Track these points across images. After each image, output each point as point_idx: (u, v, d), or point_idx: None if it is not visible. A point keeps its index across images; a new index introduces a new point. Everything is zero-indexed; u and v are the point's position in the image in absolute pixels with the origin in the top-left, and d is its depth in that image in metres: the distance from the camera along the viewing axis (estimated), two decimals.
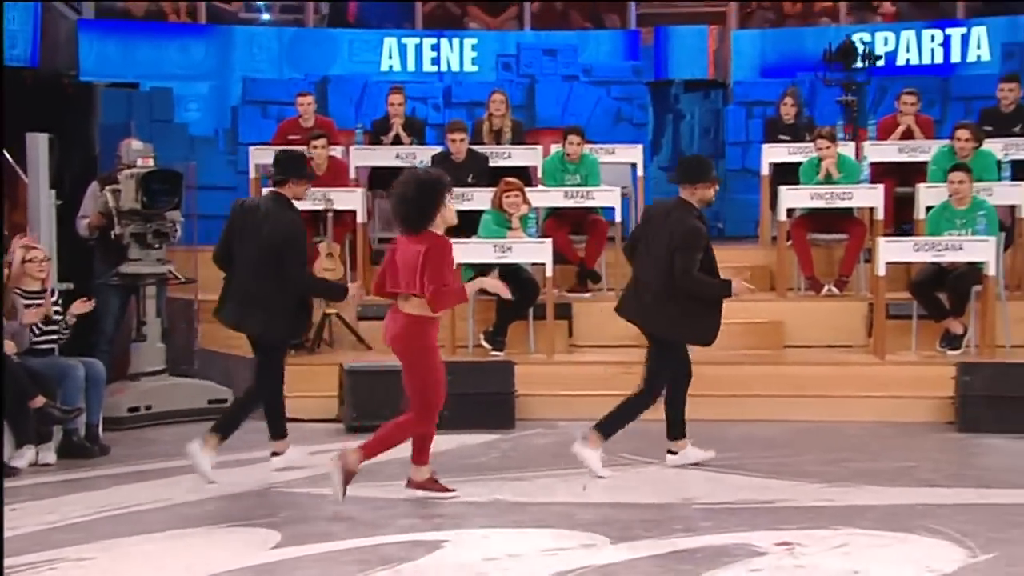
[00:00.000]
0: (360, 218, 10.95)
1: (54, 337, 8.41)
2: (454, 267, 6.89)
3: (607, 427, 7.45)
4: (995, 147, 10.80)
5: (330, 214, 10.58)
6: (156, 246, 9.47)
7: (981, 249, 9.51)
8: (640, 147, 12.43)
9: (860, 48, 12.96)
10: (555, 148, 11.44)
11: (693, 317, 7.36)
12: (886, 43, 14.49)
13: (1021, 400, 8.70)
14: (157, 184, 9.35)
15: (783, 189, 10.79)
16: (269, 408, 7.75)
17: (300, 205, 10.72)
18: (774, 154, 11.73)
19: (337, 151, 11.49)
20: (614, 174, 11.71)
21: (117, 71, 13.55)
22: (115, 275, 9.50)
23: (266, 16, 15.69)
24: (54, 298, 8.45)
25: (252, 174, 11.88)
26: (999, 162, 10.69)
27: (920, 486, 7.25)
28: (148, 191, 9.30)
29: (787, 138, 11.89)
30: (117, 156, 9.90)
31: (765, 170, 11.75)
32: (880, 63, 13.53)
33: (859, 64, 12.95)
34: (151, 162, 9.54)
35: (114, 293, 9.71)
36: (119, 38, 13.91)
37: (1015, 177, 10.69)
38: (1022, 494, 7.02)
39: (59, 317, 8.39)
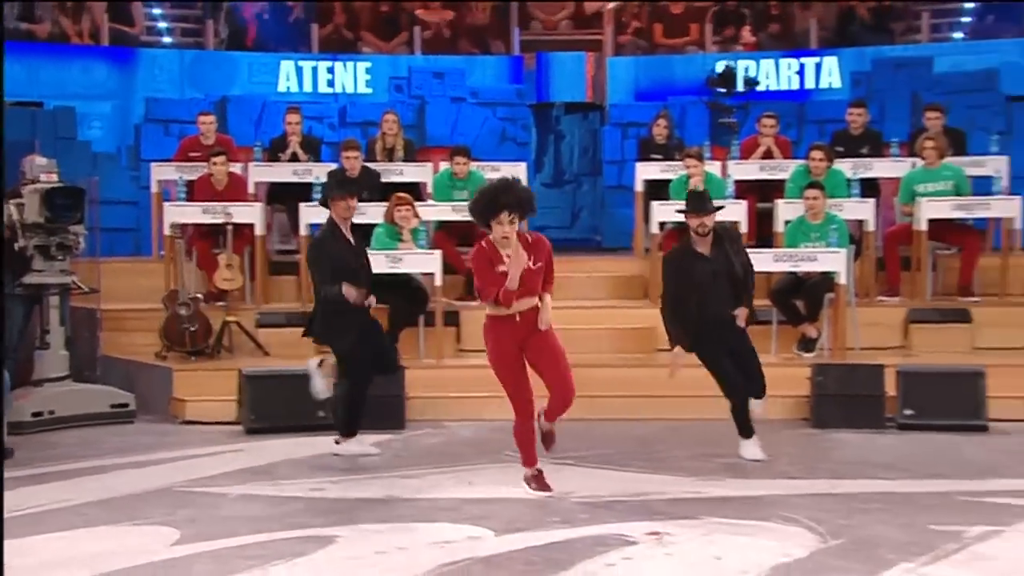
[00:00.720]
0: (259, 231, 10.85)
1: None
2: (497, 269, 6.56)
3: None
4: (845, 166, 11.03)
5: (230, 227, 10.47)
6: (59, 258, 9.31)
7: (833, 260, 9.74)
8: (524, 165, 12.49)
9: (741, 74, 13.23)
10: (444, 166, 11.45)
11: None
12: (747, 71, 14.76)
13: (868, 398, 8.91)
14: (60, 199, 9.19)
15: (655, 204, 10.91)
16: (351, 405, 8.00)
17: (200, 218, 10.76)
18: (647, 172, 11.86)
19: (237, 167, 11.37)
20: None
21: (21, 90, 13.23)
22: (19, 285, 9.30)
23: (167, 39, 15.46)
24: None
25: (154, 189, 11.73)
26: (849, 180, 10.93)
27: (777, 478, 7.37)
28: (51, 205, 9.14)
29: (659, 157, 12.03)
30: (21, 172, 9.68)
31: (639, 186, 11.87)
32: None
33: (740, 89, 13.21)
34: (54, 177, 9.38)
35: (18, 303, 9.47)
36: (23, 59, 13.60)
37: (863, 194, 10.93)
38: (869, 483, 7.19)
39: None
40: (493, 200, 6.44)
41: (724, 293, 7.61)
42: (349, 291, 7.77)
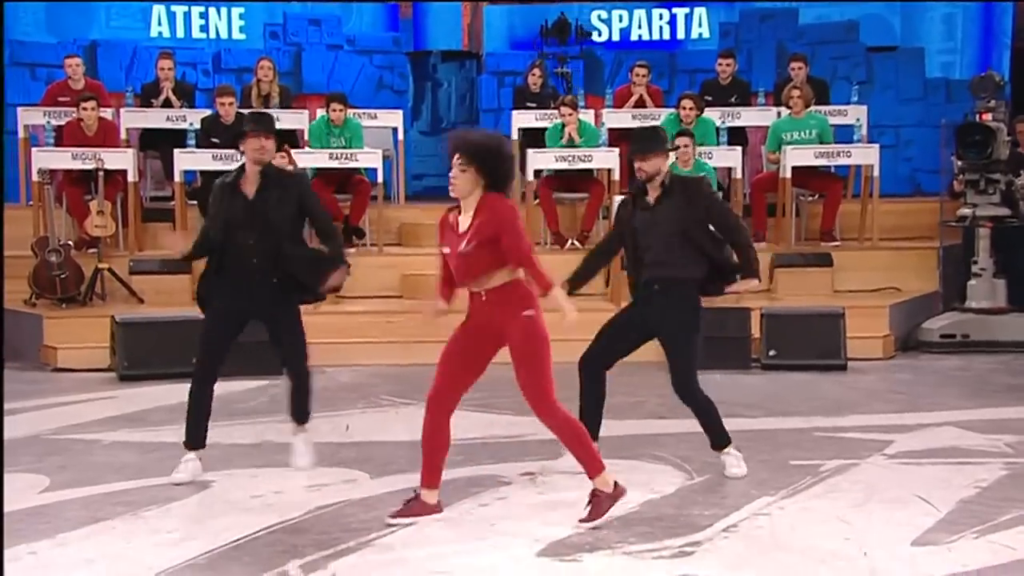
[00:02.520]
0: (131, 177, 10.59)
1: None
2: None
3: None
4: (714, 115, 11.16)
5: (101, 173, 10.18)
6: None
7: None
8: (400, 112, 12.40)
9: (573, 24, 13.34)
10: (320, 113, 11.26)
11: None
12: (620, 20, 14.80)
13: (734, 340, 9.06)
14: None
15: (531, 152, 10.90)
16: None
17: (71, 164, 10.44)
18: (523, 120, 11.84)
19: (107, 113, 11.04)
20: (376, 137, 11.62)
21: None
22: None
23: None
24: None
25: (21, 134, 11.35)
26: (717, 128, 11.07)
27: (647, 418, 7.49)
28: None
29: (534, 105, 12.02)
30: None
31: (515, 135, 11.83)
32: (593, 38, 13.92)
33: (572, 39, 13.35)
34: None
35: None
36: None
37: (731, 142, 11.09)
38: (732, 422, 7.17)
39: None
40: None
41: (661, 254, 6.04)
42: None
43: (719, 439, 6.16)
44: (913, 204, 12.06)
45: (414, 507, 5.30)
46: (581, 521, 5.24)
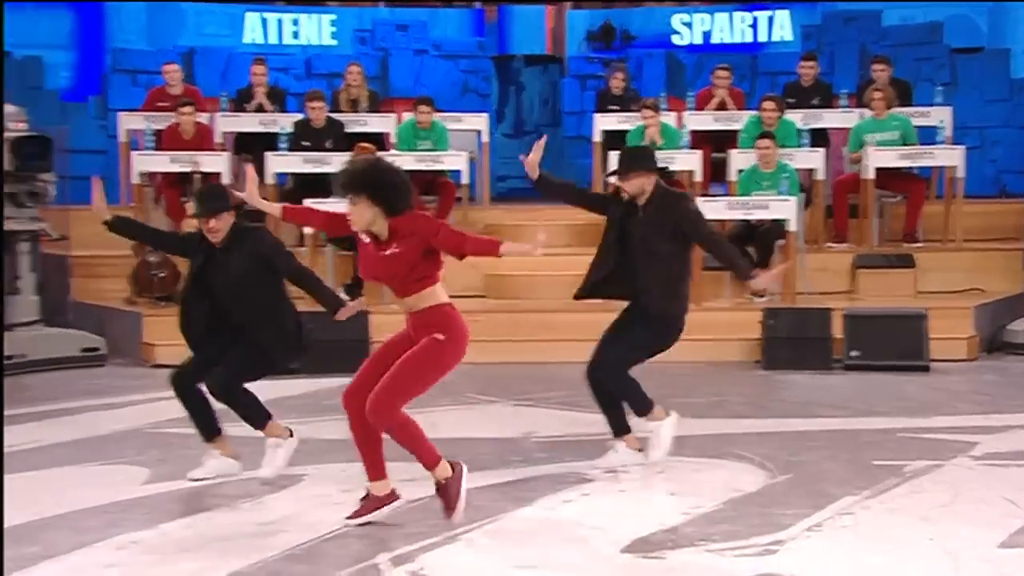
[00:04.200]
0: (226, 179, 10.71)
1: None
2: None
3: None
4: (796, 117, 11.03)
5: (197, 176, 10.35)
6: (29, 205, 9.20)
7: (784, 207, 9.74)
8: (485, 116, 12.42)
9: (618, 29, 13.34)
10: (407, 116, 11.34)
11: None
12: (702, 23, 14.71)
13: (817, 341, 8.97)
14: (29, 148, 9.07)
15: (613, 154, 10.83)
16: None
17: (169, 167, 10.64)
18: (605, 122, 11.81)
19: (204, 117, 11.23)
20: (462, 140, 11.67)
21: None
22: None
23: None
24: None
25: (122, 139, 11.58)
26: (799, 130, 10.93)
27: (730, 417, 7.43)
28: (20, 154, 9.01)
29: (616, 108, 11.99)
30: None
31: (597, 137, 11.83)
32: (675, 41, 13.92)
33: (617, 43, 13.36)
34: (23, 126, 9.23)
35: None
36: None
37: (813, 144, 10.95)
38: (814, 422, 7.25)
39: None
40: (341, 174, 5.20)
41: (642, 263, 6.06)
42: None
43: (643, 405, 6.15)
44: (998, 205, 11.82)
45: (369, 504, 5.22)
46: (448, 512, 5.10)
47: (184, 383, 6.00)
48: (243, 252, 5.81)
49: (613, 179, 6.19)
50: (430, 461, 5.11)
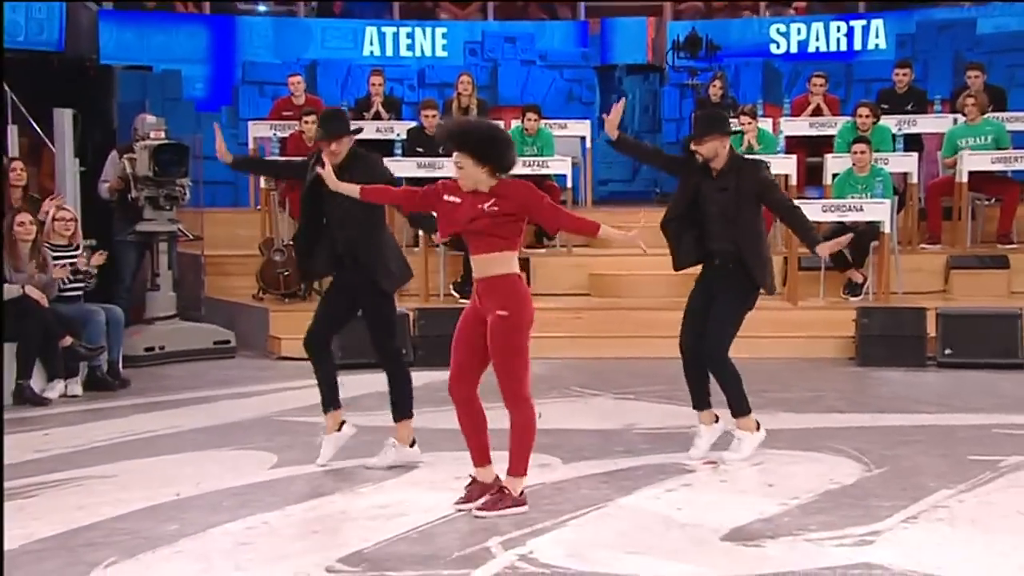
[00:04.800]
0: None
1: (80, 286, 8.35)
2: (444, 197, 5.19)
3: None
4: (891, 123, 10.81)
5: None
6: (167, 208, 9.44)
7: (878, 210, 9.55)
8: (588, 123, 12.41)
9: (704, 39, 13.23)
10: (515, 123, 11.37)
11: None
12: (799, 32, 14.48)
13: (910, 339, 8.77)
14: (167, 154, 9.31)
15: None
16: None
17: None
18: None
19: None
20: (566, 146, 11.68)
21: (133, 55, 13.32)
22: (132, 233, 9.49)
23: (263, 8, 15.47)
24: (80, 252, 8.37)
25: (251, 145, 11.81)
26: (894, 135, 10.72)
27: (826, 412, 7.30)
28: (159, 160, 9.26)
29: None
30: (133, 129, 9.80)
31: None
32: (772, 50, 13.76)
33: (702, 53, 13.23)
34: (162, 135, 9.49)
35: (131, 248, 9.66)
36: (135, 26, 13.68)
37: (907, 148, 10.72)
38: (909, 417, 7.09)
39: (84, 269, 8.31)
40: (447, 130, 5.18)
41: (717, 226, 5.95)
42: None
43: (740, 407, 6.03)
44: None
45: (474, 490, 5.19)
46: (478, 508, 5.09)
47: (317, 343, 5.99)
48: (356, 177, 5.72)
49: (691, 146, 6.01)
50: (520, 469, 5.16)
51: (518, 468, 5.16)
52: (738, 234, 5.90)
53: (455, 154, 4.97)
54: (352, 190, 5.46)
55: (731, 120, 11.13)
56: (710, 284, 6.07)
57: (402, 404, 6.07)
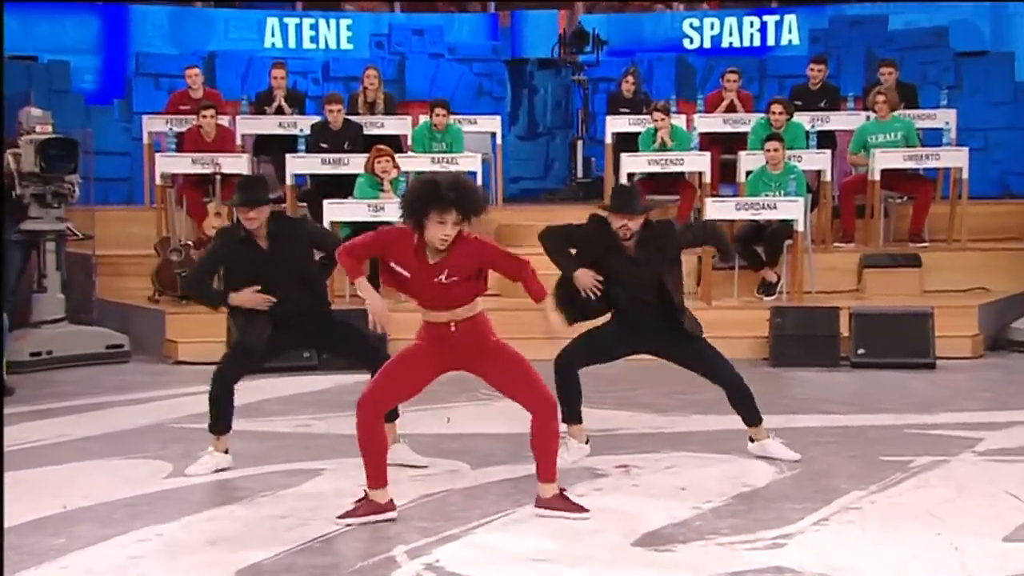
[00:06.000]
0: None
1: None
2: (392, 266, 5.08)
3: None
4: (804, 119, 11.02)
5: (218, 177, 10.37)
6: (55, 205, 9.26)
7: (792, 208, 9.72)
8: (499, 118, 12.43)
9: (591, 33, 13.43)
10: (423, 119, 11.35)
11: None
12: (712, 27, 14.68)
13: (824, 338, 8.95)
14: (55, 149, 9.12)
15: (624, 156, 10.87)
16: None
17: (191, 168, 10.67)
18: (616, 125, 11.82)
19: (224, 120, 11.26)
20: (476, 142, 11.69)
21: (17, 44, 13.00)
22: (17, 231, 9.24)
23: None
24: None
25: (145, 140, 11.63)
26: (807, 132, 10.92)
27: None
28: (46, 156, 9.06)
29: (627, 111, 11.98)
30: (18, 123, 9.58)
31: (608, 139, 11.83)
32: (685, 45, 13.97)
33: (589, 48, 13.42)
34: (49, 129, 9.29)
35: (16, 248, 9.42)
36: (18, 13, 13.33)
37: (820, 146, 10.94)
38: (823, 418, 7.23)
39: None
40: (438, 193, 4.80)
41: (645, 288, 6.04)
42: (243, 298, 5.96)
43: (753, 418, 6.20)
44: (1002, 206, 11.78)
45: (362, 507, 5.15)
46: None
47: (231, 379, 5.99)
48: (286, 243, 5.87)
49: (616, 219, 6.00)
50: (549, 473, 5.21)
51: (553, 473, 5.20)
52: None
53: (452, 214, 4.80)
54: (363, 288, 5.12)
55: (644, 115, 11.33)
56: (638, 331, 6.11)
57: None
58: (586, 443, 6.28)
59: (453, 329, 5.03)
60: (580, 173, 13.44)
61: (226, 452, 6.09)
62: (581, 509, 5.18)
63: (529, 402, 5.13)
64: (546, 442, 5.18)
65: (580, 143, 13.58)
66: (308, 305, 5.97)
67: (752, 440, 6.24)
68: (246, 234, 5.92)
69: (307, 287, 5.97)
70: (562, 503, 5.19)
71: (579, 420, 6.27)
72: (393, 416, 6.00)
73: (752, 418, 6.21)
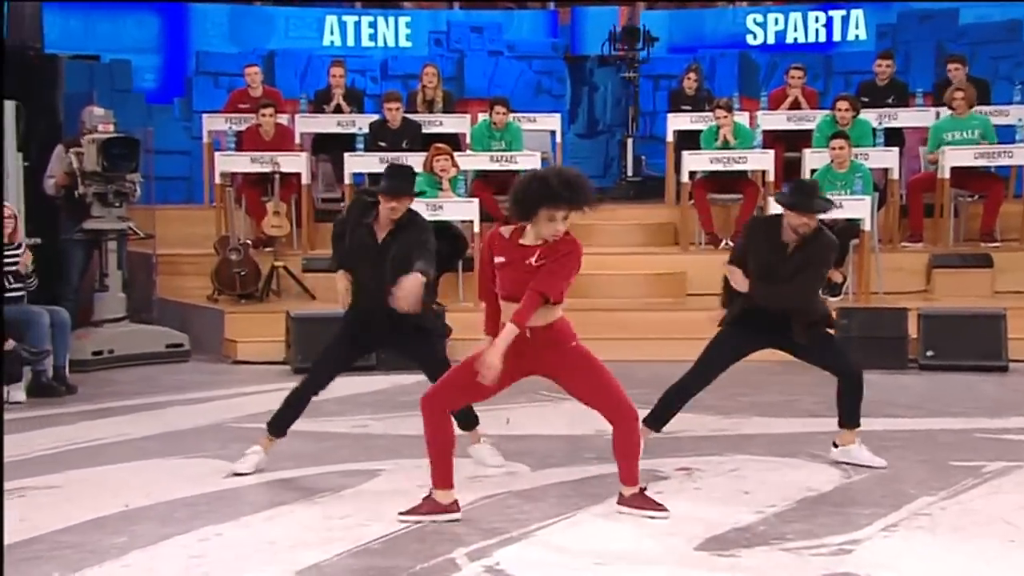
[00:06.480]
0: (304, 179, 10.88)
1: (21, 287, 8.25)
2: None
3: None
4: (871, 116, 10.90)
5: (277, 176, 10.48)
6: (117, 204, 9.36)
7: (858, 207, 9.62)
8: (558, 116, 12.45)
9: (641, 30, 13.33)
10: (482, 117, 11.38)
11: None
12: (776, 23, 14.56)
13: (891, 340, 8.84)
14: (117, 148, 9.23)
15: (686, 154, 10.82)
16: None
17: (249, 167, 10.77)
18: (678, 122, 11.78)
19: (283, 119, 11.37)
20: (535, 140, 11.70)
21: (79, 44, 13.23)
22: (79, 231, 9.39)
23: None
24: (22, 252, 8.27)
25: (205, 139, 11.78)
26: (874, 130, 10.80)
27: (802, 416, 7.33)
28: (108, 155, 9.17)
29: (689, 108, 11.92)
30: (80, 122, 9.72)
31: (670, 137, 11.79)
32: (748, 41, 13.86)
33: (640, 45, 13.33)
34: (111, 128, 9.41)
35: (79, 247, 9.57)
36: (81, 13, 13.58)
37: (888, 143, 10.80)
38: (890, 422, 7.14)
39: (28, 269, 8.22)
40: (550, 189, 4.84)
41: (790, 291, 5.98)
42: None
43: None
44: None
45: (424, 506, 5.15)
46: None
47: (317, 388, 5.98)
48: (404, 240, 5.80)
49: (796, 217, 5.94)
50: (635, 477, 5.25)
51: (636, 477, 5.24)
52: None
53: (565, 210, 4.86)
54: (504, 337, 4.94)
55: (706, 113, 11.27)
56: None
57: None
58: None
59: (529, 336, 4.96)
60: (630, 172, 13.38)
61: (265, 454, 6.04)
62: (661, 508, 5.19)
63: (609, 413, 5.16)
64: (629, 450, 5.22)
65: (630, 141, 13.51)
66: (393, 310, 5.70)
67: (835, 445, 6.16)
68: (371, 218, 5.87)
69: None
70: (643, 501, 5.21)
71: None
72: (473, 421, 6.04)
73: (850, 417, 6.11)
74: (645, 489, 5.26)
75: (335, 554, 4.79)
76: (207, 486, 5.81)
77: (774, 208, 9.54)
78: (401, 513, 5.18)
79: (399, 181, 5.91)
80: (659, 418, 6.28)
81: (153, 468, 6.24)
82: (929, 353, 8.75)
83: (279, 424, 6.05)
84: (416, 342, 6.02)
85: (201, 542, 4.97)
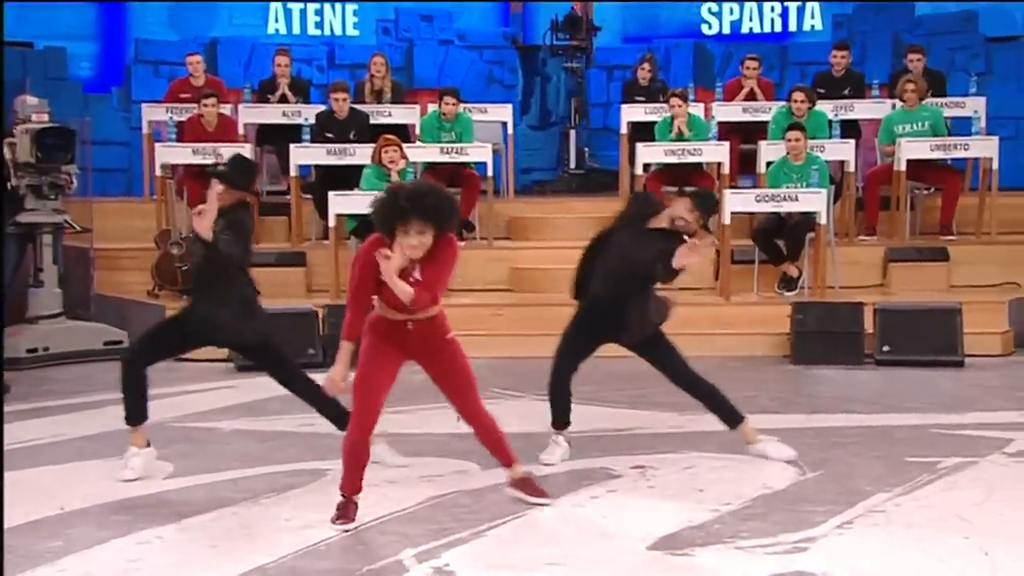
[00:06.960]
0: None
1: None
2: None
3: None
4: (827, 108, 10.98)
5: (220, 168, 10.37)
6: (52, 197, 9.28)
7: (814, 200, 9.69)
8: (510, 107, 12.44)
9: (584, 19, 13.37)
10: (432, 107, 11.35)
11: None
12: (731, 12, 14.65)
13: (847, 335, 8.93)
14: (51, 139, 9.14)
15: (640, 146, 10.85)
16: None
17: (191, 159, 10.67)
18: (632, 114, 11.81)
19: (227, 109, 11.27)
20: (486, 132, 11.69)
21: (11, 30, 13.02)
22: (13, 224, 9.26)
23: None
24: None
25: (145, 130, 11.64)
26: (830, 121, 10.88)
27: (759, 412, 7.36)
28: (42, 145, 9.08)
29: (643, 99, 11.96)
30: (13, 112, 9.59)
31: (624, 128, 11.82)
32: (703, 31, 13.93)
33: (582, 34, 13.39)
34: (45, 118, 9.30)
35: (12, 241, 9.46)
36: None
37: (844, 135, 10.90)
38: (845, 417, 7.21)
39: None
40: (397, 205, 4.84)
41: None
42: None
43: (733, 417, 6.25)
44: None
45: (349, 509, 5.21)
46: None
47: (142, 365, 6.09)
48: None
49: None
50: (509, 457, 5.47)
51: (512, 454, 5.47)
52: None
53: (417, 224, 4.84)
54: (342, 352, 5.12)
55: (661, 104, 11.31)
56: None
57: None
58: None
59: (410, 327, 5.10)
60: (573, 164, 13.41)
61: (147, 445, 6.06)
62: (543, 494, 5.43)
63: (469, 417, 5.40)
64: (494, 438, 5.43)
65: (573, 133, 13.53)
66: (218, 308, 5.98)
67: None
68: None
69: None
70: (527, 486, 5.45)
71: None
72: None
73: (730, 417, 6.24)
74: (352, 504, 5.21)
75: (280, 556, 4.77)
76: (147, 488, 5.77)
77: (730, 201, 9.67)
78: (333, 521, 5.15)
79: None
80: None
81: (91, 469, 6.19)
82: (885, 348, 8.85)
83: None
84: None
85: (140, 545, 4.93)
